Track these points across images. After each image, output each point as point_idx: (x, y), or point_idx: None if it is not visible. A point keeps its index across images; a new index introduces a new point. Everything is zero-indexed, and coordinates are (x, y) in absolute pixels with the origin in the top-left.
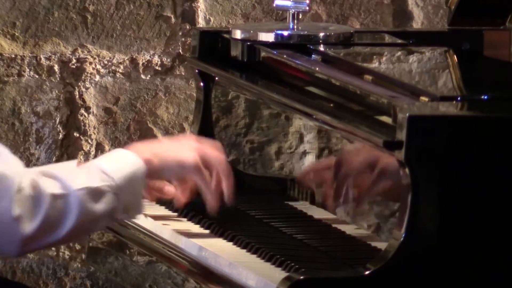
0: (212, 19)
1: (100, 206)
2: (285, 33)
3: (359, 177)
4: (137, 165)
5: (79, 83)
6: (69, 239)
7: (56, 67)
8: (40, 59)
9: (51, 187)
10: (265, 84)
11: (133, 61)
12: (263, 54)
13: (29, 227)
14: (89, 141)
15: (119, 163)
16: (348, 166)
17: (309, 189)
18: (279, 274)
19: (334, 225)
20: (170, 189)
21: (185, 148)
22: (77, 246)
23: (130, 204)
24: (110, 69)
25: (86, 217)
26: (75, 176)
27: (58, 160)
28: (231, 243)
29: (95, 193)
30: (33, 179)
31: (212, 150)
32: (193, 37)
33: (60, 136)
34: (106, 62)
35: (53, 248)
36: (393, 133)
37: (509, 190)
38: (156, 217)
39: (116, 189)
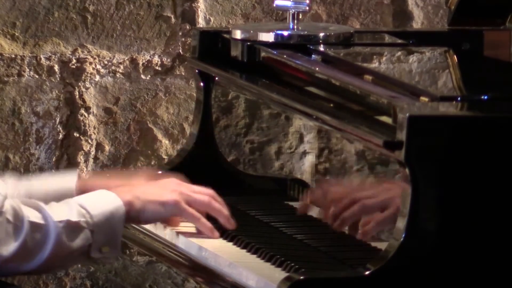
0: (212, 19)
1: (76, 242)
2: (285, 33)
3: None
4: (116, 205)
5: (79, 83)
6: (41, 270)
7: (56, 67)
8: (40, 59)
9: (31, 216)
10: (265, 84)
11: (133, 61)
12: (263, 54)
13: (5, 250)
14: (89, 141)
15: (99, 202)
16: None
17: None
18: (279, 274)
19: None
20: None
21: (167, 191)
22: None
23: (107, 244)
24: (110, 69)
25: (61, 251)
26: (56, 208)
27: (58, 160)
28: (231, 243)
29: (73, 228)
30: (15, 205)
31: (196, 192)
32: (193, 37)
33: (60, 136)
34: (106, 62)
35: None
36: (393, 133)
37: (509, 190)
38: None
39: (93, 226)
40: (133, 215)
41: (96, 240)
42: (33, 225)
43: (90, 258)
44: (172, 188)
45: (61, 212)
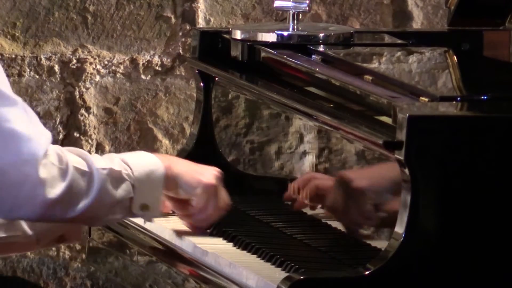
0: (212, 19)
1: (119, 192)
2: (285, 33)
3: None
4: (156, 165)
5: (80, 83)
6: (84, 219)
7: (56, 67)
8: (41, 59)
9: (76, 162)
10: (265, 84)
11: (133, 61)
12: (263, 54)
13: (52, 192)
14: (89, 141)
15: (140, 160)
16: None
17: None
18: (279, 274)
19: (334, 225)
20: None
21: (207, 172)
22: (77, 246)
23: (147, 202)
24: (110, 69)
25: (105, 198)
26: (99, 158)
27: None
28: (231, 244)
29: (116, 177)
30: (59, 150)
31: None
32: (193, 37)
33: (61, 136)
34: (106, 62)
35: (53, 248)
36: (393, 133)
37: (509, 190)
38: None
39: (134, 180)
40: (171, 180)
41: (137, 195)
42: (78, 170)
43: (131, 213)
44: (212, 173)
45: (104, 161)
